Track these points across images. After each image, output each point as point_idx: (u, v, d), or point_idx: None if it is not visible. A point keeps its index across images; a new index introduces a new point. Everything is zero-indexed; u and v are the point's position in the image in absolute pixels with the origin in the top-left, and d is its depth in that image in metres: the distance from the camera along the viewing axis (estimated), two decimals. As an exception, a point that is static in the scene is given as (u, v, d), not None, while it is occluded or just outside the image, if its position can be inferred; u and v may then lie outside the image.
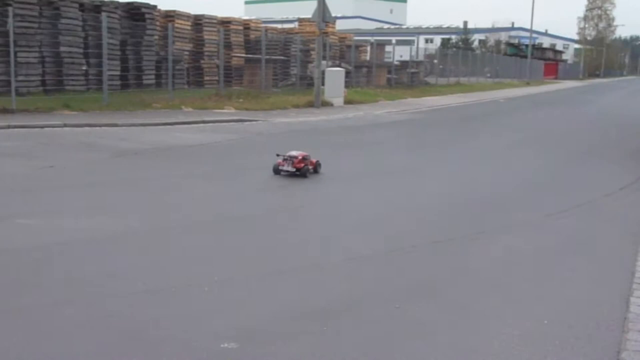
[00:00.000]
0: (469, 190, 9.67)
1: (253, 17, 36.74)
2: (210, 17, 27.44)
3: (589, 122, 22.70)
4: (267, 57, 25.82)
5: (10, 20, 16.10)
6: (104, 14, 18.86)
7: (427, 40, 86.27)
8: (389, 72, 35.87)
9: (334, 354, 3.89)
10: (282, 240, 6.44)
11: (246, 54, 27.94)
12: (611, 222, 7.91)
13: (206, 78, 26.59)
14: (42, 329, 4.11)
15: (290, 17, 75.89)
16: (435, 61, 45.32)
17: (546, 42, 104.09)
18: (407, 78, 37.42)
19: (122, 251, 5.87)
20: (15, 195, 8.02)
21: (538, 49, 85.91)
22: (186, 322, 4.29)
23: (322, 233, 6.79)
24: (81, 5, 20.61)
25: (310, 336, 4.16)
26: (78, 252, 5.76)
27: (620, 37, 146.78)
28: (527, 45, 68.75)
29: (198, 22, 26.96)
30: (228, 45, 26.76)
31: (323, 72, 23.29)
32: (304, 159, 9.80)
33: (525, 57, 65.66)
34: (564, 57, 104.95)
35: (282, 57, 29.03)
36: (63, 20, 19.77)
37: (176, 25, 24.50)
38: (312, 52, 28.59)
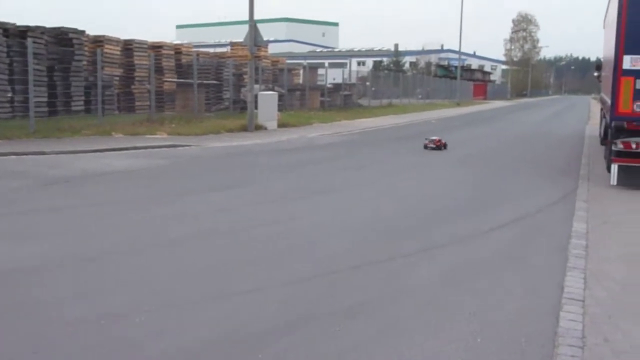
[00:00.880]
0: (406, 208, 9.74)
1: (185, 42, 36.54)
2: (141, 42, 27.15)
3: (518, 139, 23.23)
4: (200, 81, 25.67)
5: None
6: (29, 40, 18.44)
7: (359, 63, 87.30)
8: (322, 94, 36.10)
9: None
10: (215, 264, 6.34)
11: (178, 78, 27.73)
12: (542, 237, 8.07)
13: (137, 103, 26.24)
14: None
15: (223, 41, 75.79)
16: (368, 83, 45.84)
17: (475, 64, 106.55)
18: (340, 100, 37.74)
19: (50, 279, 5.69)
20: (-64, 228, 7.71)
21: (467, 70, 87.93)
22: (120, 350, 4.17)
23: (260, 255, 6.72)
24: (5, 30, 20.12)
25: (246, 363, 4.08)
26: (4, 280, 5.56)
27: (545, 58, 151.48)
28: (456, 67, 70.22)
29: (128, 46, 26.63)
30: (159, 70, 26.53)
31: (256, 96, 23.27)
32: (439, 140, 18.62)
33: (455, 78, 67.05)
34: (492, 77, 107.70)
35: (214, 82, 28.91)
36: (-13, 46, 19.27)
37: (105, 50, 24.15)
38: (245, 76, 28.56)
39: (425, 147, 18.50)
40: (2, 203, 9.31)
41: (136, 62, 26.45)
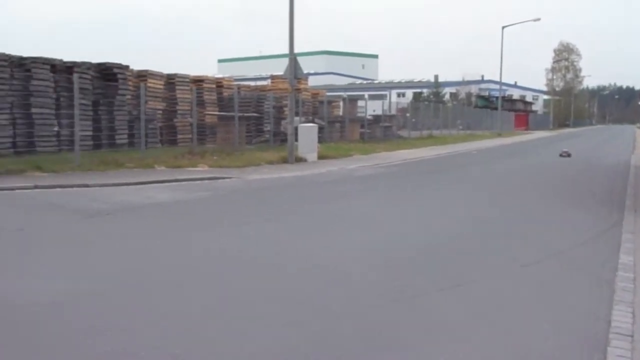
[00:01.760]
0: (445, 240, 9.62)
1: (226, 75, 37.03)
2: (183, 76, 27.59)
3: (562, 170, 22.92)
4: (240, 114, 25.92)
5: (-20, 83, 16.03)
6: (75, 75, 18.85)
7: (399, 94, 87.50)
8: (362, 126, 36.15)
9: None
10: (247, 299, 6.31)
11: (219, 111, 28.06)
12: (587, 270, 7.89)
13: (179, 136, 26.59)
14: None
15: (263, 74, 76.64)
16: (408, 114, 45.82)
17: (516, 94, 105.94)
18: (380, 132, 37.76)
19: (99, 311, 5.73)
20: (-18, 260, 7.84)
21: (508, 100, 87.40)
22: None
23: (290, 287, 6.68)
24: (53, 66, 20.62)
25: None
26: (51, 314, 5.61)
27: (587, 87, 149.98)
28: (497, 97, 69.79)
29: (171, 81, 27.08)
30: (201, 103, 26.90)
31: (296, 128, 23.40)
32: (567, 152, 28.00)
33: (496, 108, 66.63)
34: (534, 107, 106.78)
35: (255, 114, 29.17)
36: (34, 82, 19.76)
37: (149, 84, 24.57)
38: (285, 109, 28.79)
39: (561, 155, 29.48)
40: (44, 237, 9.44)
41: (178, 95, 26.86)
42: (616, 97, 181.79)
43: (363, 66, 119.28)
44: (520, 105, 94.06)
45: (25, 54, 20.30)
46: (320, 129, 28.32)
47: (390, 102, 48.24)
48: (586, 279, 7.43)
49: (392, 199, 14.59)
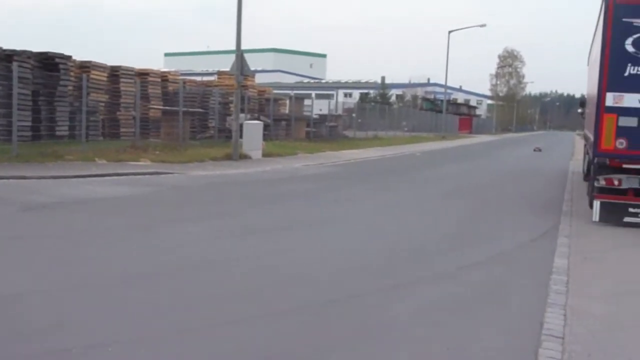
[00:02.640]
0: (386, 242, 9.70)
1: (172, 69, 36.59)
2: (127, 69, 27.16)
3: (502, 175, 23.31)
4: (185, 109, 25.64)
5: None
6: (15, 64, 18.37)
7: (346, 95, 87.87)
8: (308, 125, 36.16)
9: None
10: (191, 298, 6.24)
11: (164, 105, 27.70)
12: (523, 273, 8.03)
13: (122, 130, 26.17)
14: None
15: (210, 69, 76.04)
16: (354, 115, 46.02)
17: (461, 98, 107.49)
18: (326, 131, 37.81)
19: (21, 309, 5.58)
20: None
21: (453, 104, 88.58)
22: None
23: (237, 289, 6.64)
24: (-9, 54, 20.07)
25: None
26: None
27: (530, 94, 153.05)
28: (442, 100, 70.70)
29: (115, 73, 26.63)
30: (145, 97, 26.52)
31: (241, 125, 23.26)
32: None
33: (441, 111, 67.47)
34: (478, 112, 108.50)
35: (200, 110, 28.90)
36: (-29, 70, 19.20)
37: (92, 76, 24.11)
38: (231, 105, 28.57)
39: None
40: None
41: (122, 88, 26.43)
42: (557, 104, 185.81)
43: (311, 65, 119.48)
44: (464, 109, 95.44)
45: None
46: (266, 127, 28.22)
47: (337, 102, 48.43)
48: (522, 281, 7.56)
49: (335, 199, 14.61)
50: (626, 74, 11.60)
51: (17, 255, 7.65)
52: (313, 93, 65.93)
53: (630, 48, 11.56)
